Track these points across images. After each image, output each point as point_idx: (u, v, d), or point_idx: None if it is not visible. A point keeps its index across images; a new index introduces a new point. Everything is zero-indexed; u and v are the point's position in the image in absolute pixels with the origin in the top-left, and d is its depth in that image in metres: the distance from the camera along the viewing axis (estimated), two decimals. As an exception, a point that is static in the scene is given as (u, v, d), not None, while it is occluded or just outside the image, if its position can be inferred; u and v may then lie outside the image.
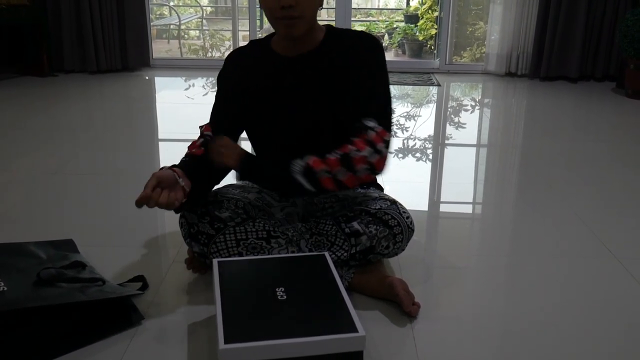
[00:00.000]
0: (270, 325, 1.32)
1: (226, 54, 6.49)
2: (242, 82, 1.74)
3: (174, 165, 1.63)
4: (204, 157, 1.65)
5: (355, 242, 1.66)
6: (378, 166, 1.59)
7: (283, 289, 1.45)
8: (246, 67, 1.75)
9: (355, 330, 1.30)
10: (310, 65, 1.68)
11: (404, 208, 1.73)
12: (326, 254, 1.62)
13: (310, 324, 1.32)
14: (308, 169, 1.54)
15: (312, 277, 1.53)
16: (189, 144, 1.71)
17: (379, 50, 1.68)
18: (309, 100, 1.69)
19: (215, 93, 1.81)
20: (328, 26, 1.73)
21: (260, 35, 5.84)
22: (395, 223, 1.67)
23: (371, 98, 1.64)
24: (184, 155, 1.69)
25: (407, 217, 1.70)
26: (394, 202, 1.73)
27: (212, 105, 1.80)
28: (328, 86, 1.67)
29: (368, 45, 1.68)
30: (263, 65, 1.73)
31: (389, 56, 6.66)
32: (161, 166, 1.62)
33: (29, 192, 2.51)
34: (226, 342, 1.25)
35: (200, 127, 1.75)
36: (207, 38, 7.24)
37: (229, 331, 1.28)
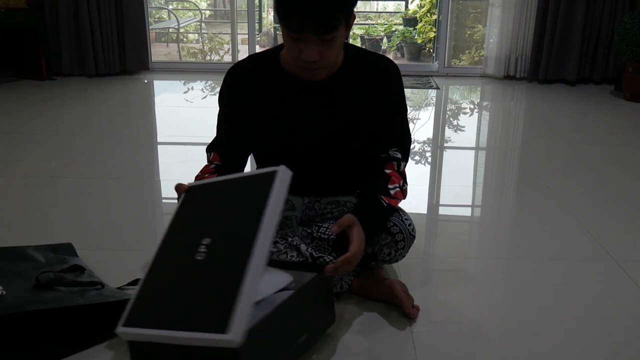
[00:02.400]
0: (165, 311, 1.27)
1: (225, 57, 6.55)
2: (250, 102, 1.65)
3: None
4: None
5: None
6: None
7: (208, 242, 1.31)
8: (254, 86, 1.64)
9: (223, 331, 1.16)
10: (330, 90, 1.64)
11: (406, 215, 1.72)
12: (280, 169, 1.36)
13: (194, 315, 1.23)
14: (392, 210, 1.63)
15: (243, 221, 1.32)
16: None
17: (399, 78, 1.69)
18: (325, 124, 1.66)
19: (218, 112, 1.72)
20: (345, 47, 1.66)
21: (258, 38, 5.84)
22: (397, 230, 1.66)
23: (396, 129, 1.70)
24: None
25: (410, 225, 1.69)
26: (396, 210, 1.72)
27: (217, 126, 1.73)
28: (346, 110, 1.65)
29: (390, 74, 1.67)
30: (275, 86, 1.64)
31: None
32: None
33: (27, 196, 2.51)
34: (125, 325, 1.28)
35: (207, 151, 1.72)
36: (206, 41, 7.24)
37: (132, 314, 1.29)
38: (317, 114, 1.65)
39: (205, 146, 1.74)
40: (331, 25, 1.43)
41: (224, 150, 1.69)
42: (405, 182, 1.69)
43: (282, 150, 1.70)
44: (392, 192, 1.63)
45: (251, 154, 1.79)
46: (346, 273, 1.68)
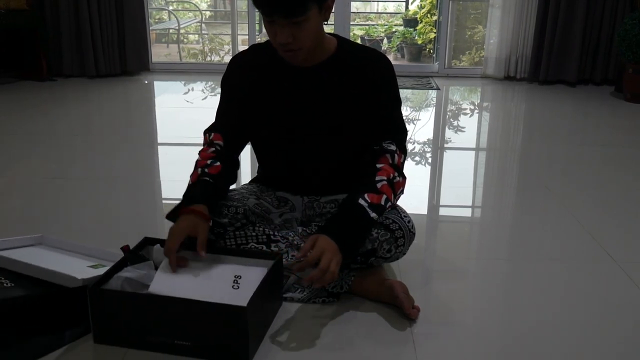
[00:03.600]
0: None
1: (225, 57, 6.56)
2: (249, 89, 1.70)
3: (194, 199, 1.58)
4: (221, 173, 1.65)
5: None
6: (403, 188, 1.71)
7: None
8: (253, 73, 1.70)
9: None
10: (322, 76, 1.67)
11: (404, 212, 1.73)
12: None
13: None
14: (375, 206, 1.60)
15: None
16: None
17: (392, 71, 1.71)
18: (317, 110, 1.68)
19: (220, 98, 1.77)
20: (338, 38, 1.70)
21: (259, 39, 5.84)
22: (396, 227, 1.66)
23: (390, 121, 1.71)
24: (199, 170, 1.64)
25: (409, 221, 1.70)
26: (394, 207, 1.72)
27: (217, 110, 1.76)
28: (338, 99, 1.67)
29: (382, 67, 1.69)
30: (272, 73, 1.69)
31: (388, 60, 6.61)
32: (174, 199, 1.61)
33: (28, 197, 2.51)
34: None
35: (206, 132, 1.73)
36: (206, 42, 7.25)
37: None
38: (311, 99, 1.68)
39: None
40: (299, 9, 1.47)
41: (226, 132, 1.71)
42: (400, 174, 1.68)
43: (277, 136, 1.72)
44: (378, 185, 1.63)
45: (249, 147, 1.83)
46: (346, 273, 1.69)
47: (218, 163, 1.66)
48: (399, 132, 1.72)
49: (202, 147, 1.72)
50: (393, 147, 1.68)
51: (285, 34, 1.51)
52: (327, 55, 1.67)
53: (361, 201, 1.59)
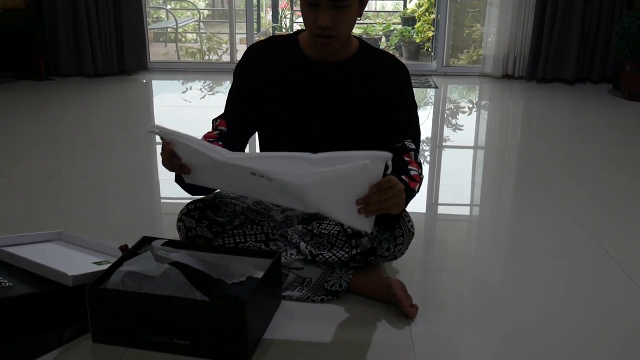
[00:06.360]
0: None
1: (223, 57, 6.54)
2: (262, 78, 1.72)
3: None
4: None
5: (356, 244, 1.66)
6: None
7: None
8: (272, 65, 1.72)
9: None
10: (344, 74, 1.70)
11: (405, 212, 1.73)
12: None
13: None
14: (411, 191, 1.56)
15: None
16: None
17: (409, 76, 1.75)
18: (328, 106, 1.70)
19: (231, 84, 1.77)
20: (360, 40, 1.75)
21: (257, 38, 5.84)
22: (396, 226, 1.66)
23: (409, 123, 1.74)
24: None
25: (408, 221, 1.70)
26: None
27: (227, 97, 1.77)
28: (351, 97, 1.70)
29: (400, 72, 1.73)
30: (288, 65, 1.71)
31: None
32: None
33: (26, 197, 2.51)
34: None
35: (214, 120, 1.75)
36: (204, 41, 7.24)
37: None
38: (323, 95, 1.70)
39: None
40: None
41: (232, 121, 1.72)
42: (421, 171, 1.68)
43: (284, 128, 1.73)
44: (411, 173, 1.63)
45: (254, 136, 1.83)
46: (345, 271, 1.69)
47: (220, 143, 1.65)
48: (416, 135, 1.75)
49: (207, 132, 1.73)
50: (413, 147, 1.70)
51: (327, 17, 1.54)
52: (349, 54, 1.70)
53: (405, 178, 1.55)
